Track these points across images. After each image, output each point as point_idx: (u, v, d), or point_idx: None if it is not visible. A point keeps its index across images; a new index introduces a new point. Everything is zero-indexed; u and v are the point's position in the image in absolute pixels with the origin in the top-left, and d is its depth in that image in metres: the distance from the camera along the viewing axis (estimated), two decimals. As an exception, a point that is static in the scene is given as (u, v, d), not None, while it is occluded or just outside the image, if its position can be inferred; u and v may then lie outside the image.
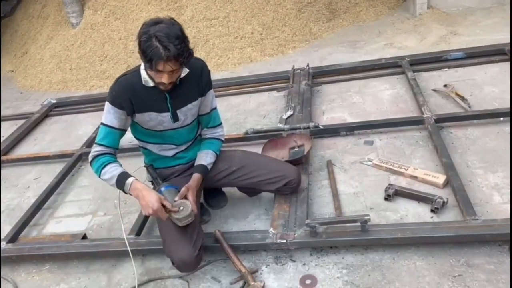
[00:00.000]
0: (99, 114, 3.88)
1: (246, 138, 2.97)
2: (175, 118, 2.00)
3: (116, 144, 1.98)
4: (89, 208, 2.75)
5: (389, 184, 2.28)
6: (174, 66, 1.74)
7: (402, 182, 2.35)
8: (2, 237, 2.45)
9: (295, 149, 2.61)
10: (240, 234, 2.16)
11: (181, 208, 1.88)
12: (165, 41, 1.67)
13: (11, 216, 2.80)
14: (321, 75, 3.69)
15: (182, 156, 2.16)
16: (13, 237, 2.45)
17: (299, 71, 3.67)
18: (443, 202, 2.10)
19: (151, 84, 1.89)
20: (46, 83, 5.14)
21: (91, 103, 4.14)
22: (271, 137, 2.76)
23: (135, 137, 2.14)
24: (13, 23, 6.60)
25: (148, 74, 1.86)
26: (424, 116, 2.74)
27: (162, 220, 1.89)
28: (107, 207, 2.72)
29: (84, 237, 2.39)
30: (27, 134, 3.87)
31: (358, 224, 1.94)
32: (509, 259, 1.83)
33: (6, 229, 2.57)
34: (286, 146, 2.65)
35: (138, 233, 2.29)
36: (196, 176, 2.05)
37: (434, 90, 3.15)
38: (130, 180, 1.87)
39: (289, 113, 3.08)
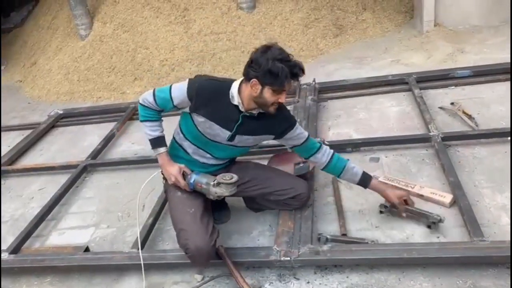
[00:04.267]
0: (105, 125, 3.94)
1: (251, 152, 2.94)
2: (231, 139, 2.05)
3: (165, 108, 2.08)
4: (92, 220, 2.74)
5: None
6: (295, 83, 1.94)
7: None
8: (4, 248, 2.45)
9: (300, 165, 2.59)
10: (243, 250, 2.14)
11: (227, 178, 1.98)
12: (288, 63, 1.86)
13: (15, 227, 2.79)
14: (327, 90, 3.69)
15: (204, 168, 2.17)
16: (16, 248, 2.44)
17: (305, 86, 3.67)
18: (440, 219, 2.07)
19: (236, 102, 1.97)
20: (54, 94, 5.18)
21: (98, 114, 4.17)
22: (276, 152, 2.75)
23: (180, 128, 2.15)
24: (23, 33, 6.68)
25: (261, 98, 1.91)
26: (431, 134, 2.72)
27: (181, 187, 2.08)
28: (110, 220, 2.71)
29: (87, 249, 2.38)
30: (33, 144, 3.89)
31: (366, 242, 1.93)
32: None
33: (9, 239, 2.57)
34: (291, 161, 2.62)
35: (141, 247, 2.27)
36: (376, 182, 2.20)
37: (441, 107, 3.13)
38: (160, 150, 2.10)
39: (294, 128, 3.06)
